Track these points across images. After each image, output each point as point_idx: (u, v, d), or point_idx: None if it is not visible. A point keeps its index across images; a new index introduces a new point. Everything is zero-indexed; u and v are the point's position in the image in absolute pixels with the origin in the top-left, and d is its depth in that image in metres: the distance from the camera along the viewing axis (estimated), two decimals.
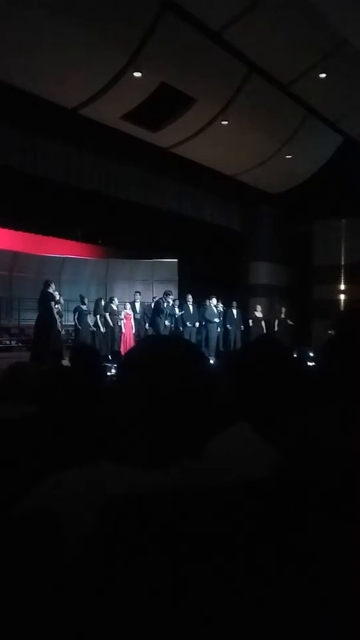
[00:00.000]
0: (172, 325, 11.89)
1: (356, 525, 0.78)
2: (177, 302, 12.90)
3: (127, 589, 0.70)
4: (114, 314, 11.65)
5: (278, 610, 0.71)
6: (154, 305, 11.55)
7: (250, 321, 12.99)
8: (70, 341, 11.33)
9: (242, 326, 12.94)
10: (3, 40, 7.00)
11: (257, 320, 12.99)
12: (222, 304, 12.82)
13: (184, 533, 0.72)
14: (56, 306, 10.08)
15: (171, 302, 11.69)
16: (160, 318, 11.38)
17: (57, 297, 10.26)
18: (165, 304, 11.48)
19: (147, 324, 11.77)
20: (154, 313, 11.47)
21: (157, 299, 11.72)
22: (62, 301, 10.83)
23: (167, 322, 11.59)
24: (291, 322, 13.00)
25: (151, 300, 12.58)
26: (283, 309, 13.20)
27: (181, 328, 12.08)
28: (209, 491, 0.77)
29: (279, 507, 0.78)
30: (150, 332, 11.51)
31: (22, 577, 0.74)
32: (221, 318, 12.60)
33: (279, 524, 0.76)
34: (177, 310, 12.00)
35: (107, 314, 11.58)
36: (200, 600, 0.70)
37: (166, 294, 11.68)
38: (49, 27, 6.98)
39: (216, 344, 12.41)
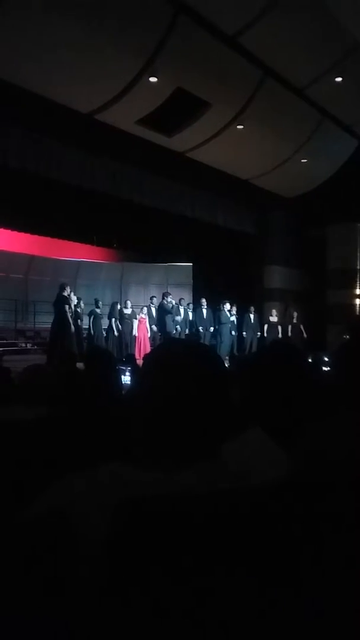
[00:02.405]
0: (180, 329, 11.93)
1: None
2: (190, 306, 12.93)
3: (141, 591, 0.70)
4: (129, 318, 11.69)
5: (292, 613, 0.71)
6: (159, 308, 11.61)
7: (266, 326, 12.96)
8: (85, 344, 11.39)
9: (259, 332, 12.93)
10: (19, 45, 7.08)
11: (272, 325, 12.96)
12: (236, 308, 12.85)
13: (198, 535, 0.72)
14: (71, 309, 10.13)
15: (173, 302, 11.74)
16: (167, 317, 11.44)
17: (75, 300, 10.31)
18: (169, 305, 11.56)
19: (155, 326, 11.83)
20: (160, 314, 11.53)
21: (159, 302, 11.77)
22: (82, 305, 10.87)
23: (177, 326, 11.67)
24: (302, 328, 12.93)
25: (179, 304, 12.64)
26: (295, 314, 13.14)
27: (187, 331, 12.15)
28: (224, 494, 0.78)
29: (293, 512, 0.78)
30: (159, 334, 11.57)
31: (35, 577, 0.74)
32: (234, 322, 12.66)
33: (294, 528, 0.76)
34: (181, 311, 12.04)
35: (121, 318, 11.63)
36: (213, 603, 0.70)
37: (164, 295, 11.79)
38: (64, 33, 7.05)
39: (230, 348, 12.45)
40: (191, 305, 13.00)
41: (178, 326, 11.87)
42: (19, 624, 0.72)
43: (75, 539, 0.76)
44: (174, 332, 11.50)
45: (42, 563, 0.75)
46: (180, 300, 12.77)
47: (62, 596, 0.73)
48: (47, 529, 0.78)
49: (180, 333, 12.04)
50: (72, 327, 10.12)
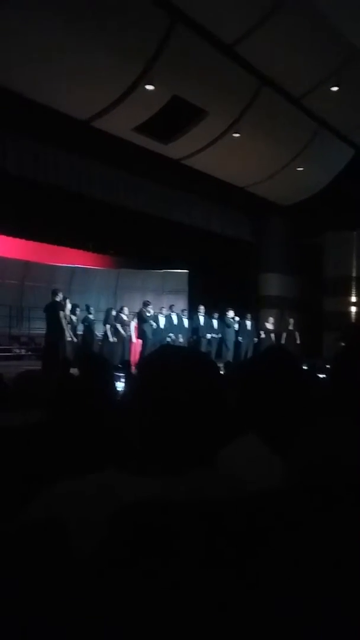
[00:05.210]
0: (171, 335, 12.01)
1: None
2: (185, 313, 12.95)
3: (136, 597, 0.69)
4: (124, 324, 11.70)
5: (286, 618, 0.70)
6: (137, 316, 11.70)
7: (262, 333, 13.01)
8: (79, 350, 11.36)
9: (255, 338, 12.99)
10: (17, 52, 7.11)
11: (268, 332, 13.00)
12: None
13: (193, 543, 0.72)
14: (67, 315, 10.10)
15: (152, 311, 11.86)
16: (146, 327, 11.56)
17: (69, 306, 10.30)
18: (147, 314, 11.67)
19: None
20: (139, 322, 11.63)
21: (138, 310, 11.87)
22: (77, 311, 10.88)
23: (166, 333, 11.77)
24: (297, 335, 12.95)
25: (159, 311, 12.70)
26: (291, 321, 13.19)
27: (181, 338, 12.18)
28: (219, 502, 0.77)
29: (289, 519, 0.78)
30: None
31: (30, 584, 0.73)
32: (237, 330, 12.85)
33: (287, 536, 0.76)
34: (160, 318, 12.11)
35: (117, 324, 11.63)
36: (209, 609, 0.69)
37: (145, 304, 11.88)
38: (62, 40, 7.09)
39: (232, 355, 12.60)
40: (186, 312, 13.01)
41: (172, 334, 11.93)
42: (15, 630, 0.71)
43: (69, 546, 0.75)
44: (151, 338, 11.57)
45: (37, 568, 0.74)
46: (171, 306, 12.82)
47: (56, 603, 0.72)
48: (41, 536, 0.77)
49: (174, 341, 12.08)
50: (67, 333, 10.09)
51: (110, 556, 0.72)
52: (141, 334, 11.58)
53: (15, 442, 1.75)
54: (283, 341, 12.82)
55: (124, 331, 11.64)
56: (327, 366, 6.09)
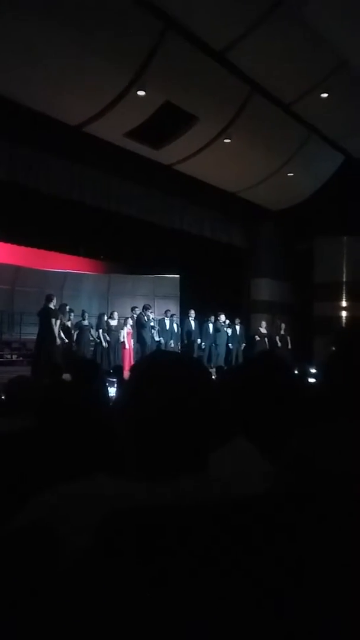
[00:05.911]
0: (164, 341, 12.00)
1: (353, 542, 0.78)
2: (176, 318, 12.94)
3: (124, 604, 0.69)
4: (116, 329, 11.68)
5: (276, 625, 0.70)
6: (136, 321, 11.67)
7: (257, 337, 13.05)
8: (71, 356, 11.32)
9: (243, 344, 13.01)
10: (8, 57, 7.11)
11: (262, 337, 13.04)
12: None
13: (183, 547, 0.72)
14: (60, 321, 10.08)
15: (151, 315, 11.82)
16: (144, 332, 11.49)
17: (66, 311, 10.26)
18: (145, 318, 11.62)
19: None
20: (138, 328, 11.58)
21: (137, 314, 11.81)
22: (71, 317, 10.84)
23: (157, 338, 11.74)
24: (289, 339, 13.01)
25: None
26: (283, 325, 13.24)
27: (172, 343, 12.20)
28: (208, 506, 0.77)
29: (278, 524, 0.78)
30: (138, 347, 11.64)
31: (18, 590, 0.73)
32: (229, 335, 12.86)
33: (278, 541, 0.76)
34: (153, 323, 12.09)
35: (108, 329, 11.61)
36: (198, 616, 0.69)
37: (145, 307, 11.86)
38: (54, 45, 7.09)
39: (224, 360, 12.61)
40: (175, 317, 13.00)
41: (161, 338, 11.92)
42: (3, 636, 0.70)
43: (59, 552, 0.75)
44: (149, 344, 11.53)
45: (25, 575, 0.73)
46: (166, 312, 12.82)
47: (46, 608, 0.71)
48: (31, 541, 0.77)
49: (165, 344, 12.06)
50: (59, 339, 10.06)
51: (98, 562, 0.71)
52: (140, 338, 11.51)
53: (5, 448, 1.74)
54: (278, 345, 12.89)
55: (116, 336, 11.61)
56: (312, 371, 6.12)
